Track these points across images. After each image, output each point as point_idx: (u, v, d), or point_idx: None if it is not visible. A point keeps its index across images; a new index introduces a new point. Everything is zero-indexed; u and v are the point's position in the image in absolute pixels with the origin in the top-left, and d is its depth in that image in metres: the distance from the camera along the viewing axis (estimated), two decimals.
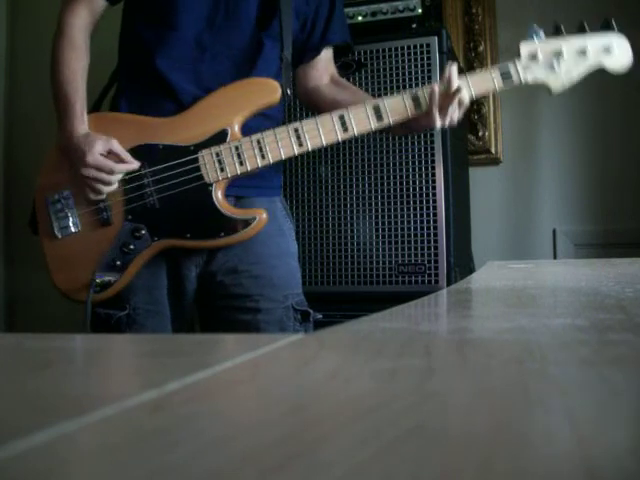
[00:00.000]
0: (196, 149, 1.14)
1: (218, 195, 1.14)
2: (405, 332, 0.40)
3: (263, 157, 1.14)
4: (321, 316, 1.25)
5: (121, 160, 1.12)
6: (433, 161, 1.49)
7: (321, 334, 0.37)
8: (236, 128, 1.15)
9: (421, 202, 1.49)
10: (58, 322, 2.15)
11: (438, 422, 0.19)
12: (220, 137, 1.14)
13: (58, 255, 1.16)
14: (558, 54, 1.17)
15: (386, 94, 1.36)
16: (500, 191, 2.05)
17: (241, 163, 1.14)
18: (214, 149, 1.13)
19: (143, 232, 1.14)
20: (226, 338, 0.48)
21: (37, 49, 2.08)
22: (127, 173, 1.13)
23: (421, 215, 1.49)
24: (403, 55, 1.52)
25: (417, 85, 1.50)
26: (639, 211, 1.91)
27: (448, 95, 1.14)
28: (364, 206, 1.54)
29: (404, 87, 1.51)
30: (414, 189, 1.50)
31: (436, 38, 1.51)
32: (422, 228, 1.49)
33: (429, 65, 1.50)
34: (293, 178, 1.60)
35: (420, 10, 1.63)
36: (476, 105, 2.02)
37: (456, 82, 1.14)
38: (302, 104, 1.48)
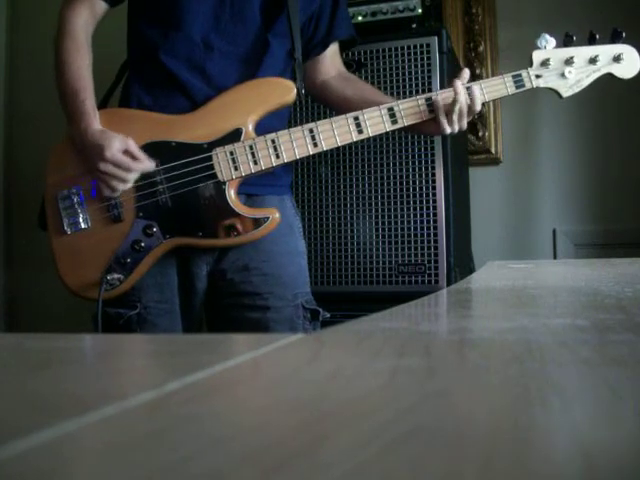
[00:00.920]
0: (210, 147, 1.13)
1: (231, 194, 1.13)
2: (405, 332, 0.40)
3: (278, 156, 1.14)
4: (329, 315, 1.25)
5: (137, 160, 1.11)
6: (433, 161, 1.49)
7: (321, 334, 0.38)
8: (250, 127, 1.14)
9: (421, 202, 1.49)
10: (58, 322, 2.15)
11: (438, 422, 0.19)
12: (234, 136, 1.14)
13: (67, 252, 1.14)
14: (569, 62, 1.20)
15: (386, 94, 1.36)
16: (500, 191, 2.05)
17: (255, 162, 1.13)
18: (228, 148, 1.13)
19: (154, 229, 1.13)
20: (227, 338, 0.48)
21: (37, 48, 2.08)
22: None
23: (421, 215, 1.49)
24: (403, 55, 1.52)
25: (417, 85, 1.50)
26: (639, 211, 1.91)
27: (453, 102, 1.15)
28: (364, 206, 1.54)
29: (404, 87, 1.51)
30: (414, 189, 1.50)
31: (436, 38, 1.51)
32: (422, 228, 1.49)
33: (429, 65, 1.50)
34: (293, 178, 1.60)
35: (420, 10, 1.63)
36: None
37: (459, 90, 1.15)
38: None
